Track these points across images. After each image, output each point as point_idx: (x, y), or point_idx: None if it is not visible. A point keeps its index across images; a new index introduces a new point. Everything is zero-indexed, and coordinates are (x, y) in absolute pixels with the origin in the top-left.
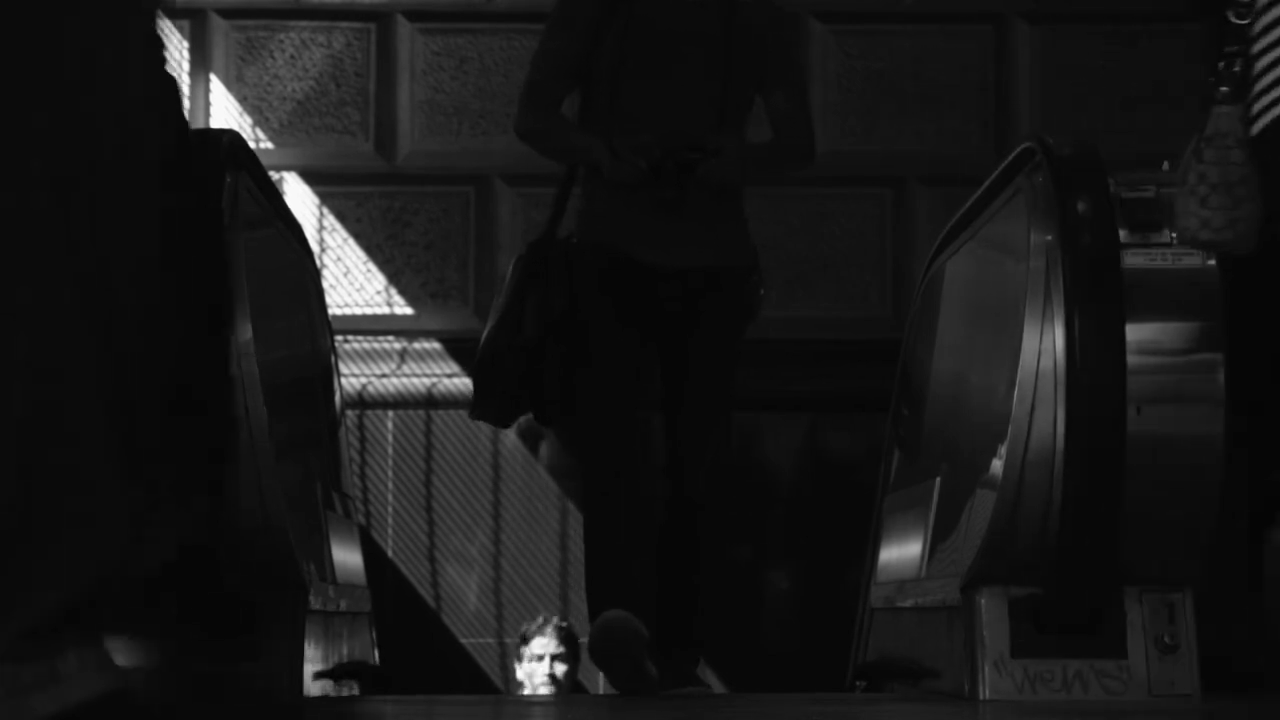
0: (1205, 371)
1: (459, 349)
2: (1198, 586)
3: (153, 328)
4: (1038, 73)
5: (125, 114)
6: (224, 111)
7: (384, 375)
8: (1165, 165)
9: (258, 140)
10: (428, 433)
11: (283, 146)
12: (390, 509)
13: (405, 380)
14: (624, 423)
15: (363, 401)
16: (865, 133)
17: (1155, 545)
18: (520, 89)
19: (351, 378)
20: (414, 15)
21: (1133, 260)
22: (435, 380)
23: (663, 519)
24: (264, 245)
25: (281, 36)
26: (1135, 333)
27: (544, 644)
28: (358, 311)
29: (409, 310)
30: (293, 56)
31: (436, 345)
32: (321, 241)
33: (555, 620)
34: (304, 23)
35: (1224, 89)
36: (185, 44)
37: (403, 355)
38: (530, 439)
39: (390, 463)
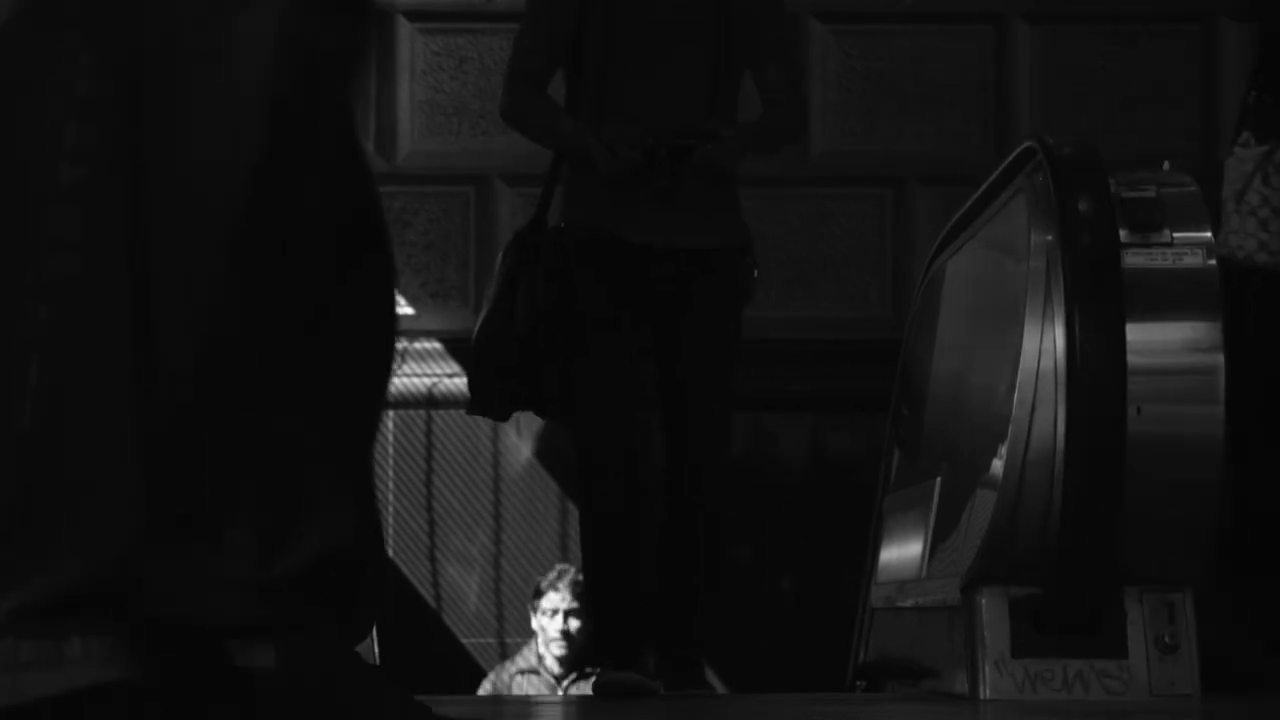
0: (1205, 372)
1: (459, 349)
2: (1198, 586)
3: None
4: (1038, 73)
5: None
6: None
7: None
8: (1165, 165)
9: None
10: (428, 433)
11: None
12: (390, 509)
13: (406, 380)
14: (622, 416)
15: None
16: (865, 133)
17: (1155, 545)
18: (504, 71)
19: None
20: (414, 15)
21: (1133, 260)
22: (436, 380)
23: (663, 518)
24: None
25: None
26: (1135, 333)
27: (558, 599)
28: None
29: (409, 310)
30: None
31: (437, 345)
32: None
33: (571, 574)
34: None
35: None
36: None
37: (403, 355)
38: (545, 455)
39: (390, 462)
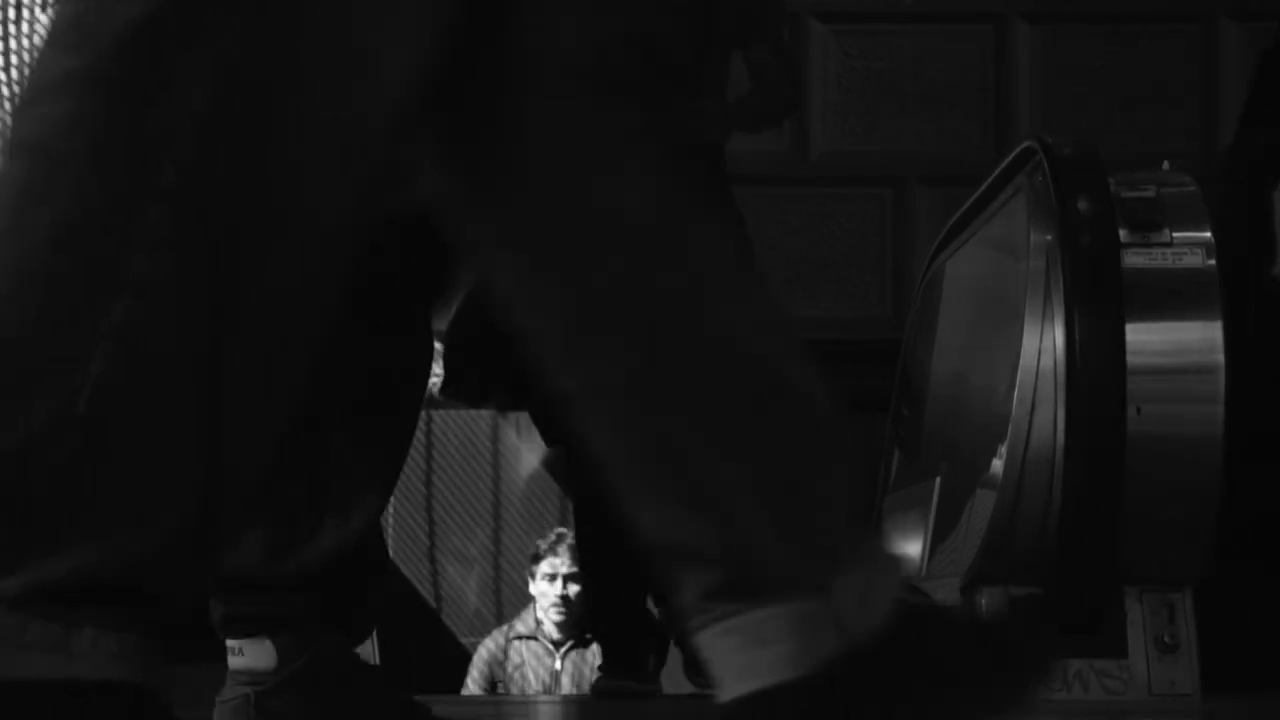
0: (1205, 372)
1: None
2: (1198, 586)
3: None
4: (1038, 73)
5: None
6: None
7: None
8: (1165, 165)
9: None
10: (428, 432)
11: None
12: (390, 509)
13: None
14: None
15: None
16: (865, 133)
17: (1155, 545)
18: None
19: None
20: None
21: (1133, 260)
22: (435, 380)
23: None
24: None
25: None
26: (1135, 333)
27: (557, 563)
28: None
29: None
30: None
31: (436, 345)
32: None
33: (570, 538)
34: None
35: None
36: None
37: None
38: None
39: None
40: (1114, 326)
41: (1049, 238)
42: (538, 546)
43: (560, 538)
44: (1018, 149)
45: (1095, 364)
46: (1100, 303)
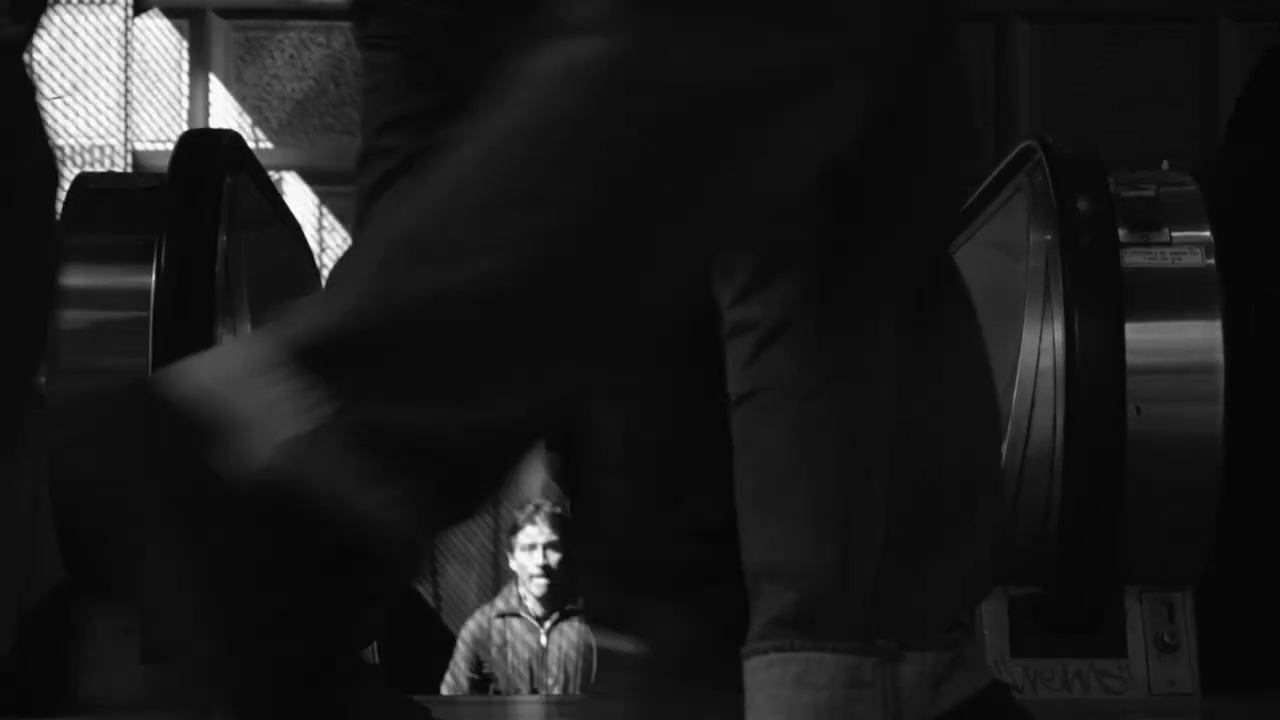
0: (1205, 372)
1: None
2: (1197, 586)
3: None
4: (1038, 73)
5: None
6: (223, 111)
7: None
8: (1165, 165)
9: (257, 140)
10: None
11: (282, 146)
12: None
13: None
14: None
15: None
16: None
17: (1155, 545)
18: None
19: None
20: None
21: (1132, 260)
22: None
23: None
24: (264, 245)
25: (281, 36)
26: (1135, 333)
27: (535, 533)
28: None
29: None
30: (292, 56)
31: None
32: (321, 241)
33: (547, 507)
34: (303, 23)
35: None
36: (185, 44)
37: None
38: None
39: None
40: (1113, 326)
41: (1048, 237)
42: (515, 518)
43: (538, 507)
44: (1017, 148)
45: (1095, 363)
46: (1100, 302)
